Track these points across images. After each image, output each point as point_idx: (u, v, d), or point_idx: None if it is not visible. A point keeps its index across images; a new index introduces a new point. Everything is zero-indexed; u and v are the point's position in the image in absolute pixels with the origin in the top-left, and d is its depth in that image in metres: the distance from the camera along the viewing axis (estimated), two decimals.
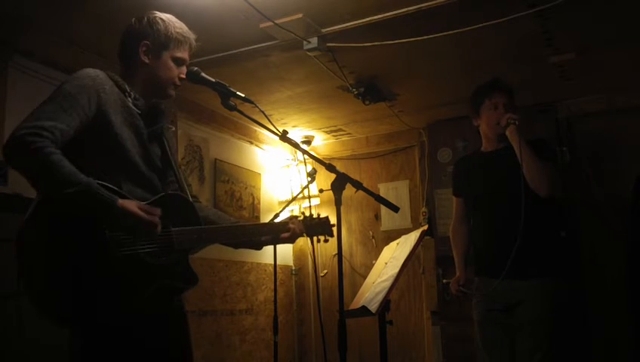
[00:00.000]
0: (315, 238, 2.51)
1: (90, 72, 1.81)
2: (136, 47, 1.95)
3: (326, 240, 2.66)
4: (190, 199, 1.99)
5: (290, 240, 2.27)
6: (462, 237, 3.22)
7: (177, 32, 1.98)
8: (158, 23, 1.96)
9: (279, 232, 2.24)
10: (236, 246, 2.27)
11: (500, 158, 2.95)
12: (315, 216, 2.42)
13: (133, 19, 1.99)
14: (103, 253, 1.65)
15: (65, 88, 1.73)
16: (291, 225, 2.25)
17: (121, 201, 1.67)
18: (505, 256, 2.77)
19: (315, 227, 2.39)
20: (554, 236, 2.98)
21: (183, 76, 2.02)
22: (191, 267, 1.90)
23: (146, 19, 1.97)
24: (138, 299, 1.70)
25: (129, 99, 1.87)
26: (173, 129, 2.09)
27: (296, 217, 2.33)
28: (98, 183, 1.65)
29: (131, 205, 1.69)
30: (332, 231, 2.44)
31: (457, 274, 3.21)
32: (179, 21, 2.02)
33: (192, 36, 2.03)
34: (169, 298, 1.88)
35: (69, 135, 1.67)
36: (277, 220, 3.39)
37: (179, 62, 1.99)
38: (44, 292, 1.60)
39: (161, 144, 1.99)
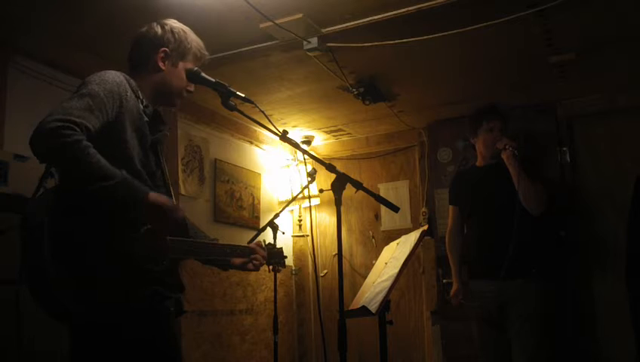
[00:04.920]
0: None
1: (116, 76, 1.82)
2: (154, 51, 1.96)
3: (278, 270, 2.77)
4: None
5: (255, 270, 2.33)
6: (457, 247, 3.56)
7: (196, 47, 2.04)
8: (180, 32, 2.01)
9: (249, 255, 2.27)
10: (205, 263, 2.28)
11: (492, 173, 3.36)
12: (270, 245, 2.52)
13: (154, 24, 2.00)
14: (109, 253, 1.67)
15: (93, 88, 1.73)
16: (260, 253, 2.29)
17: (151, 193, 1.73)
18: (498, 261, 3.08)
19: (273, 256, 2.49)
20: (548, 238, 3.30)
21: (191, 89, 2.05)
22: (180, 275, 1.92)
23: (168, 26, 2.00)
24: (134, 301, 1.72)
25: (141, 105, 1.88)
26: (168, 135, 2.11)
27: (262, 245, 2.37)
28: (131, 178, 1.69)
29: (160, 196, 1.76)
30: (284, 262, 2.59)
31: (454, 286, 3.52)
32: (196, 36, 2.07)
33: (207, 53, 2.09)
34: (160, 302, 1.89)
35: (92, 135, 1.67)
36: (276, 220, 3.43)
37: None
38: (47, 284, 1.61)
39: (155, 149, 2.00)
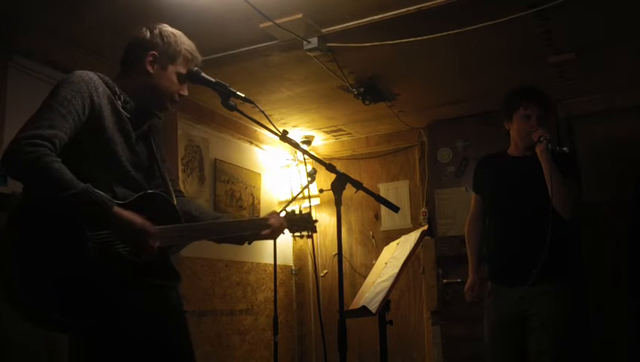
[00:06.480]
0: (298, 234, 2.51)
1: (84, 74, 1.81)
2: (143, 55, 1.95)
3: (309, 236, 2.70)
4: (173, 196, 2.00)
5: (271, 236, 2.26)
6: (477, 236, 3.21)
7: (186, 50, 2.01)
8: (169, 36, 1.99)
9: (260, 228, 2.22)
10: (219, 241, 2.25)
11: (526, 165, 2.94)
12: (298, 212, 2.45)
13: (144, 28, 2.00)
14: (85, 254, 1.66)
15: (60, 93, 1.73)
16: (272, 221, 2.23)
17: (117, 208, 1.69)
18: (523, 268, 2.81)
19: (297, 222, 2.41)
20: (564, 241, 2.94)
21: (184, 93, 2.03)
22: (172, 264, 1.91)
23: (157, 30, 1.99)
24: (125, 296, 1.71)
25: (119, 101, 1.87)
26: (162, 121, 2.09)
27: (277, 213, 2.32)
28: (95, 190, 1.67)
29: (127, 212, 1.71)
30: (315, 227, 2.47)
31: (470, 278, 3.18)
32: (188, 39, 2.05)
33: (199, 56, 2.06)
34: (161, 296, 1.88)
35: (65, 141, 1.69)
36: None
37: (182, 78, 2.01)
38: (29, 299, 1.60)
39: (147, 142, 2.00)
